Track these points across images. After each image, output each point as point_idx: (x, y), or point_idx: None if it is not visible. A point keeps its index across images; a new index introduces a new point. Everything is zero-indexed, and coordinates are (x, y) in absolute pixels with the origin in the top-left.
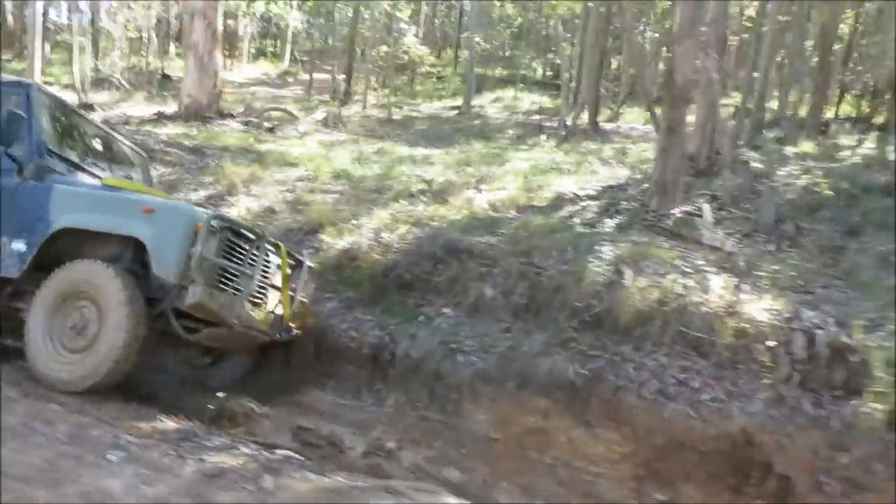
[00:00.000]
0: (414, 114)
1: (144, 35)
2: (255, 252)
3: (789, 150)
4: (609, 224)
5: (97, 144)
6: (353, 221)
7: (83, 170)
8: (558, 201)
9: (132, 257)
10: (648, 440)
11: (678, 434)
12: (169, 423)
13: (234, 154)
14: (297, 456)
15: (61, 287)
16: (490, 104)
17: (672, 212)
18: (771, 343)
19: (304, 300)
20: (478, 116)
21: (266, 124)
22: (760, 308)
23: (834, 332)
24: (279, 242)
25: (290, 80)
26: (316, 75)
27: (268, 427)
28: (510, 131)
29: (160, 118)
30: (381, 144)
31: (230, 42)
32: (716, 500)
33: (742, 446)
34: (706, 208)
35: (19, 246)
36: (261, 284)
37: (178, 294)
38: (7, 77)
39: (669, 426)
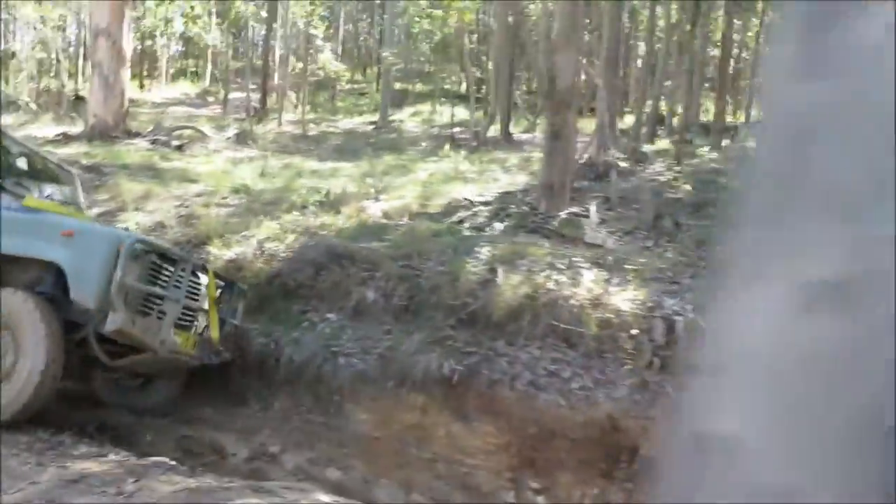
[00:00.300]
0: (330, 129)
1: (54, 56)
2: (180, 275)
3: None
4: (497, 227)
5: (21, 163)
6: (244, 233)
7: (4, 190)
8: (451, 208)
9: (53, 282)
10: (522, 431)
11: (550, 423)
12: (40, 434)
13: (133, 172)
14: (167, 461)
15: None
16: (409, 118)
17: (560, 214)
18: (634, 331)
19: (236, 322)
20: (394, 130)
21: (175, 143)
22: (625, 299)
23: (692, 317)
24: (205, 265)
25: (211, 99)
26: (235, 94)
27: (149, 439)
28: (424, 143)
29: (65, 138)
30: (290, 159)
31: (149, 62)
32: (589, 485)
33: (610, 432)
34: (592, 209)
35: None
36: (188, 308)
37: (100, 320)
38: None
39: (542, 416)
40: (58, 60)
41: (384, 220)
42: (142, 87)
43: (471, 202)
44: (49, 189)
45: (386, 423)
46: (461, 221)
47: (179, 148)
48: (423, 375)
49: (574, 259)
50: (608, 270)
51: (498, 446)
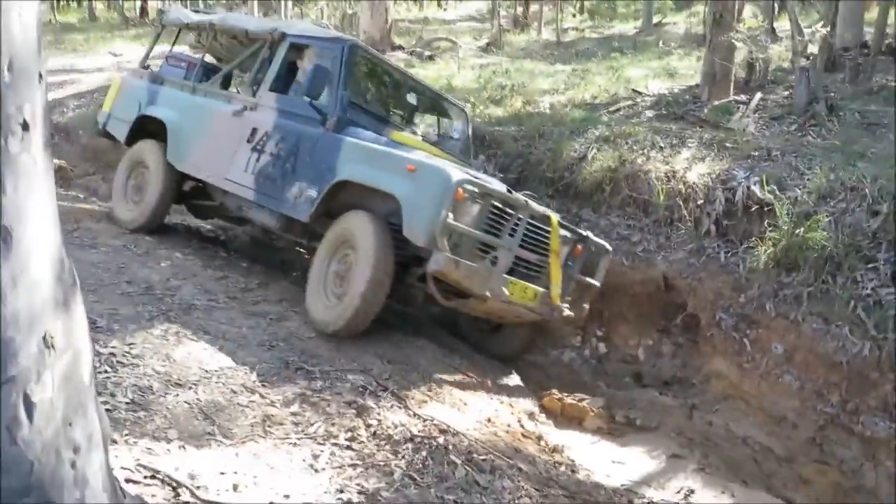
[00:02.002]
0: (591, 35)
1: None
2: (516, 223)
3: None
4: (647, 115)
5: (411, 98)
6: None
7: (387, 123)
8: (616, 99)
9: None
10: None
11: (614, 281)
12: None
13: None
14: None
15: (334, 235)
16: (685, 19)
17: (719, 102)
18: (700, 202)
19: (590, 281)
20: (655, 33)
21: (427, 53)
22: (702, 173)
23: (755, 190)
24: (550, 214)
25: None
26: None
27: None
28: (672, 44)
29: None
30: (524, 63)
31: None
32: (644, 335)
33: (663, 290)
34: (757, 96)
35: (311, 192)
36: (525, 259)
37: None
38: (329, 33)
39: (608, 275)
40: None
41: (543, 110)
42: (439, 5)
43: (638, 93)
44: (432, 125)
45: None
46: (617, 110)
47: (431, 57)
48: None
49: (689, 140)
50: (709, 148)
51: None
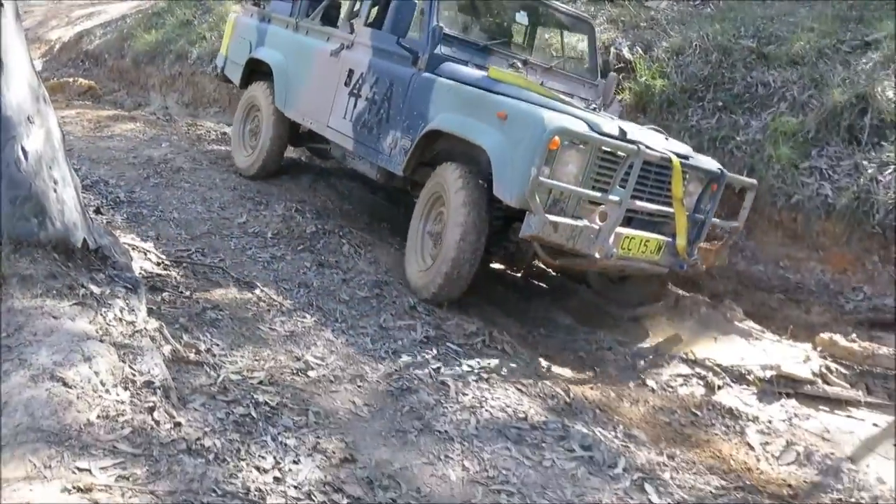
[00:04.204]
0: None
1: None
2: (626, 171)
3: None
4: None
5: (521, 17)
6: None
7: (492, 53)
8: None
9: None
10: None
11: None
12: None
13: None
14: None
15: (427, 192)
16: None
17: None
18: None
19: (729, 224)
20: None
21: None
22: None
23: (625, 51)
24: (671, 156)
25: None
26: None
27: None
28: None
29: None
30: None
31: None
32: None
33: None
34: None
35: (405, 142)
36: (642, 210)
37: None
38: None
39: None
40: None
41: None
42: None
43: None
44: (549, 46)
45: None
46: None
47: None
48: None
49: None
50: (610, 23)
51: None
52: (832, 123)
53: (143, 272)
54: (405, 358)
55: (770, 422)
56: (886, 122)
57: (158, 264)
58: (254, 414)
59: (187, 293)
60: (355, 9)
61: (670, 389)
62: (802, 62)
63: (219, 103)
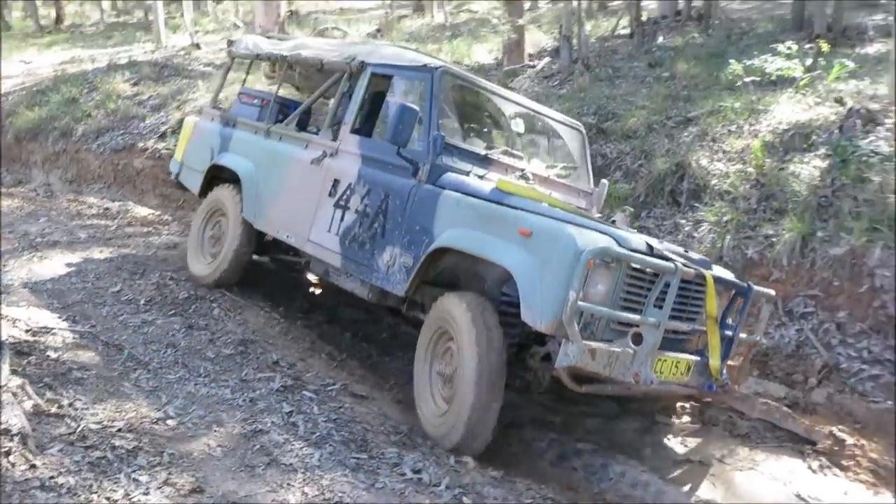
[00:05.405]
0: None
1: None
2: (664, 290)
3: None
4: None
5: (517, 126)
6: None
7: (490, 162)
8: None
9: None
10: None
11: None
12: None
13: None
14: None
15: (431, 325)
16: None
17: (511, 66)
18: None
19: (753, 339)
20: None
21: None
22: None
23: None
24: (705, 272)
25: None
26: None
27: None
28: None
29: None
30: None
31: None
32: None
33: None
34: (544, 60)
35: (406, 260)
36: (676, 331)
37: (555, 348)
38: (411, 58)
39: None
40: None
41: None
42: None
43: (459, 63)
44: (551, 157)
45: None
46: None
47: None
48: None
49: None
50: None
51: None
52: (658, 188)
53: (11, 338)
54: (261, 405)
55: None
56: (700, 186)
57: (27, 331)
58: (110, 456)
59: (55, 356)
60: (337, 114)
61: None
62: (635, 136)
63: (103, 179)
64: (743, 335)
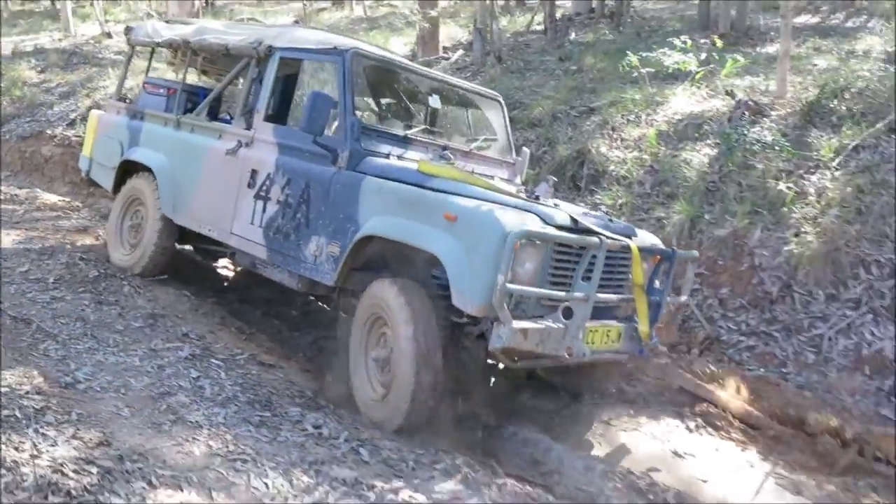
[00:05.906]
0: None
1: None
2: (590, 263)
3: None
4: None
5: (434, 101)
6: None
7: (410, 142)
8: None
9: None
10: None
11: None
12: None
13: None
14: None
15: (363, 314)
16: None
17: (426, 58)
18: None
19: (679, 300)
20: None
21: None
22: None
23: None
24: (630, 243)
25: None
26: None
27: None
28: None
29: None
30: None
31: None
32: None
33: None
34: (458, 52)
35: (333, 249)
36: (605, 302)
37: (487, 329)
38: (319, 40)
39: None
40: None
41: None
42: None
43: None
44: (473, 132)
45: None
46: None
47: None
48: None
49: None
50: None
51: None
52: (560, 174)
53: None
54: (168, 371)
55: None
56: (599, 171)
57: None
58: (18, 414)
59: None
60: (248, 101)
61: None
62: (540, 124)
63: (10, 167)
64: (669, 298)
